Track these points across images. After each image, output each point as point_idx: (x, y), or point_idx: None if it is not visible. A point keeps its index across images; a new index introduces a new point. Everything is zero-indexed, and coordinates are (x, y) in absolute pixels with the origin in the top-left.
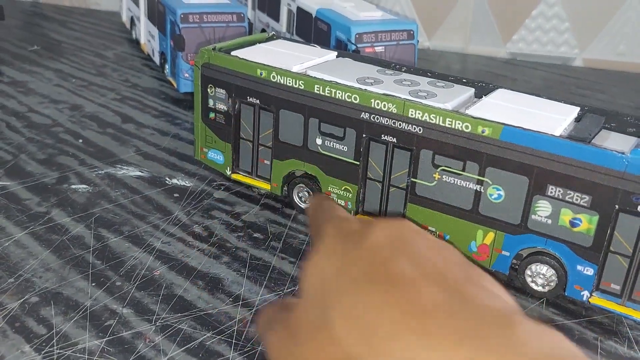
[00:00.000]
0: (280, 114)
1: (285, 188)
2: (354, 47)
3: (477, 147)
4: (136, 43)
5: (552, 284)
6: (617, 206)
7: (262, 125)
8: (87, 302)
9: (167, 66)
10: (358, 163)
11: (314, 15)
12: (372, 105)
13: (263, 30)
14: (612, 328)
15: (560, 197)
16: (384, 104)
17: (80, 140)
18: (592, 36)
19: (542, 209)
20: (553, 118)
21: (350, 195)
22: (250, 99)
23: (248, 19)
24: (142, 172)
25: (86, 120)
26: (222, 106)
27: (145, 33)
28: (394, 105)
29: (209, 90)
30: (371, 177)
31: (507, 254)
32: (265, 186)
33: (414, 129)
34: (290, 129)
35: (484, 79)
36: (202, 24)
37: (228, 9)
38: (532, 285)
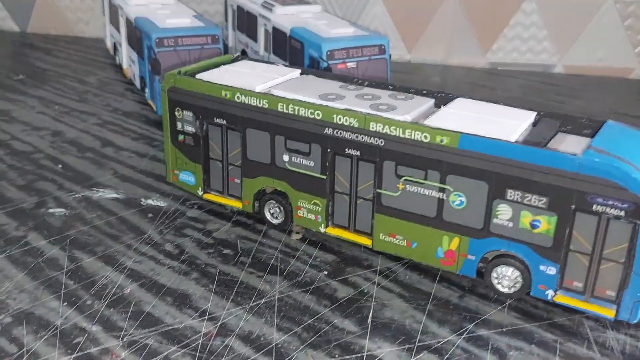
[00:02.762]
0: (247, 133)
1: (257, 205)
2: (325, 65)
3: (437, 156)
4: (119, 68)
5: (517, 285)
6: (573, 206)
7: (230, 145)
8: (57, 321)
9: (147, 90)
10: (325, 177)
11: (288, 34)
12: (335, 121)
13: (243, 52)
14: (573, 330)
15: (519, 200)
16: (346, 119)
17: (60, 166)
18: (570, 43)
19: (503, 213)
20: (509, 124)
21: (319, 209)
22: (217, 120)
23: (223, 40)
24: (118, 194)
25: (66, 145)
26: (190, 128)
27: (127, 58)
28: (356, 120)
29: (176, 113)
30: (338, 190)
31: (473, 257)
32: (237, 204)
33: (376, 141)
34: (258, 147)
35: (463, 89)
36: (177, 47)
37: (202, 31)
38: (499, 287)
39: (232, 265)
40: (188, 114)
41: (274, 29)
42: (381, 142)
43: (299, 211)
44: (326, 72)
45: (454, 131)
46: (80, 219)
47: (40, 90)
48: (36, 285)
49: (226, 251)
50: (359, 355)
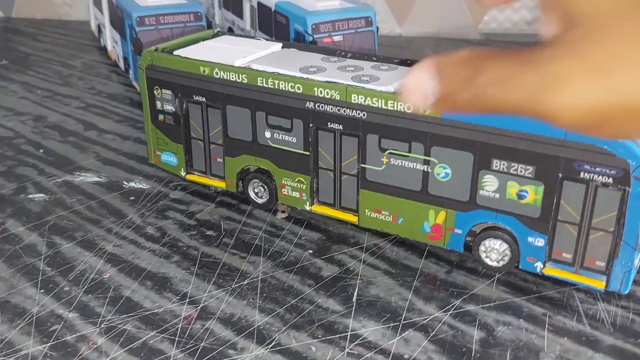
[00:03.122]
0: (228, 110)
1: (241, 184)
2: (311, 38)
3: (421, 127)
4: (104, 50)
5: (505, 258)
6: (560, 174)
7: (211, 123)
8: (34, 308)
9: (131, 71)
10: (308, 153)
11: (273, 9)
12: (316, 94)
13: (230, 29)
14: (562, 303)
15: (505, 170)
16: (327, 92)
17: (41, 150)
18: None
19: (489, 184)
20: None
21: (303, 186)
22: (197, 98)
23: (206, 17)
24: (99, 178)
25: (48, 130)
26: (169, 107)
27: (111, 39)
28: (337, 92)
29: (155, 92)
30: (323, 167)
31: (460, 231)
32: (220, 184)
33: (358, 114)
34: (239, 124)
35: None
36: (159, 26)
37: (185, 9)
38: (487, 260)
39: (215, 246)
40: (167, 92)
41: (259, 4)
42: (363, 115)
43: (283, 189)
44: (309, 45)
45: None
46: (60, 204)
47: (23, 75)
48: (12, 273)
49: (209, 232)
50: (343, 335)
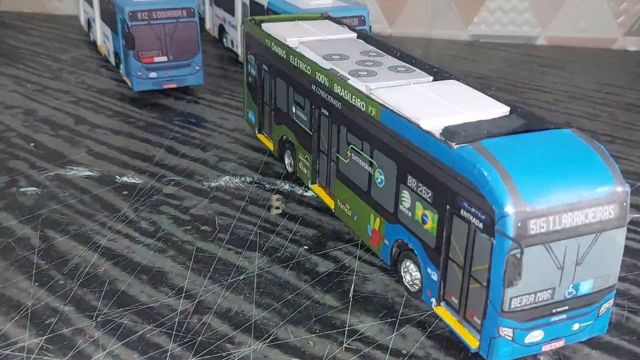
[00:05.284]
0: (276, 81)
1: (278, 152)
2: None
3: (368, 127)
4: (94, 45)
5: (416, 286)
6: (448, 206)
7: (271, 92)
8: (29, 301)
9: (122, 66)
10: (312, 133)
11: (265, 7)
12: (317, 78)
13: (221, 27)
14: None
15: (415, 189)
16: (322, 78)
17: (32, 144)
18: (552, 14)
19: (405, 200)
20: (456, 111)
21: (308, 164)
22: (264, 66)
23: (199, 13)
24: (92, 172)
25: (39, 123)
26: (253, 71)
27: (101, 34)
28: (327, 79)
29: (248, 56)
30: (321, 149)
31: (387, 243)
32: (271, 147)
33: (337, 103)
34: (281, 95)
35: (444, 62)
36: (152, 21)
37: (177, 4)
38: (405, 282)
39: (210, 241)
40: (251, 58)
41: (252, 1)
42: (339, 105)
43: (299, 164)
44: (377, 39)
45: (379, 103)
46: (53, 197)
47: (12, 69)
48: (6, 266)
49: (203, 228)
50: (340, 330)
